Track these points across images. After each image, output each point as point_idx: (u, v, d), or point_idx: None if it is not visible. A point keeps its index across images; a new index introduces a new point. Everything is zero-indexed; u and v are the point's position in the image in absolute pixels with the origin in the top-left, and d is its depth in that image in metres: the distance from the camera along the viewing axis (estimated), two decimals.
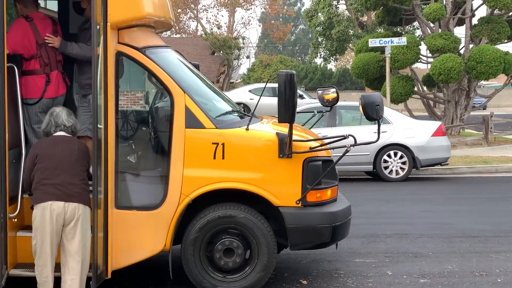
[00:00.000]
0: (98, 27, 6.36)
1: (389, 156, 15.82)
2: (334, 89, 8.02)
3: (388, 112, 15.84)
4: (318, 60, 59.24)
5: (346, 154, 6.79)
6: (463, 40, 26.45)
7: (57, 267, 6.30)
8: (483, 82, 42.23)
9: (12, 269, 6.54)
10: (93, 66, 6.35)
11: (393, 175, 15.87)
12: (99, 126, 6.37)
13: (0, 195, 6.30)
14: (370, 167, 15.99)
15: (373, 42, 24.69)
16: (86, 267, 6.24)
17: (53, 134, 6.31)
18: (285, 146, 6.76)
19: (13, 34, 7.03)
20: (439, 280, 7.70)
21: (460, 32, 25.78)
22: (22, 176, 6.53)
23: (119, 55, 6.76)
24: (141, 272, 7.72)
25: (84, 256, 6.19)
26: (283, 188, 6.87)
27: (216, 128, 6.86)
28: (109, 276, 6.59)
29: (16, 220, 6.63)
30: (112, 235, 6.58)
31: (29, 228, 6.75)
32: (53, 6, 8.66)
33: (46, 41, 7.19)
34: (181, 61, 7.85)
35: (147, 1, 6.98)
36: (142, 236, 6.77)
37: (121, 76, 6.88)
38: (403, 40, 23.85)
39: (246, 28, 68.19)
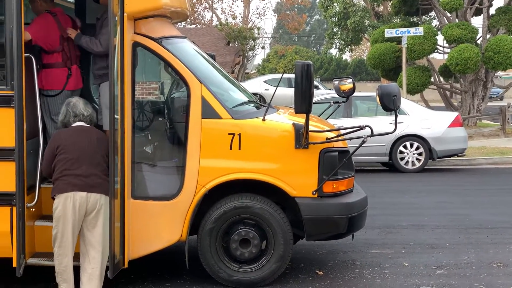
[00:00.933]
0: (115, 17, 6.39)
1: (405, 147, 15.76)
2: (351, 80, 8.03)
3: (405, 102, 15.78)
4: (334, 51, 59.13)
5: (362, 145, 6.80)
6: (480, 30, 26.28)
7: (75, 256, 6.37)
8: (500, 73, 41.96)
9: (30, 258, 6.60)
10: (110, 56, 6.37)
11: (409, 166, 15.82)
12: (116, 116, 6.40)
13: (19, 184, 6.35)
14: (386, 158, 15.95)
15: (389, 33, 24.59)
16: (106, 256, 6.31)
17: (72, 125, 6.37)
18: (301, 137, 6.77)
19: (40, 28, 7.12)
20: (456, 271, 7.68)
21: (477, 22, 25.65)
22: (41, 166, 6.59)
23: (136, 45, 6.80)
24: (158, 262, 7.76)
25: (104, 246, 6.27)
26: (299, 178, 6.88)
27: (233, 118, 6.87)
28: (126, 265, 6.64)
29: (34, 209, 6.67)
30: (128, 225, 6.63)
31: (47, 217, 6.83)
32: None
33: (69, 34, 7.30)
34: (197, 52, 7.87)
35: None
36: (158, 226, 6.81)
37: (137, 66, 6.91)
38: (419, 30, 23.74)
39: (261, 18, 68.35)
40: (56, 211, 6.18)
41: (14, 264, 6.42)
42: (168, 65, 7.00)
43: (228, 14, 50.30)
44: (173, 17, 7.81)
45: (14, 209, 6.39)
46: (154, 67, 8.41)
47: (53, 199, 6.24)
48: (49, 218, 6.83)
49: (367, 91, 22.50)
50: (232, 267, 6.96)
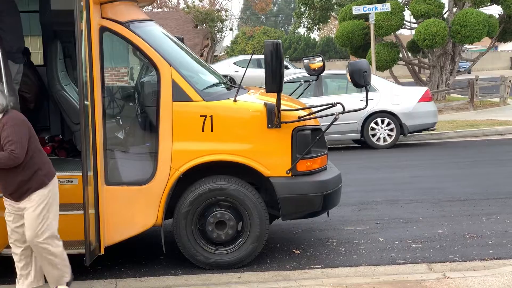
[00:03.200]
0: (81, 2, 6.30)
1: (376, 123, 15.84)
2: (320, 58, 8.02)
3: (374, 79, 15.81)
4: (302, 30, 59.02)
5: (334, 122, 6.81)
6: (446, 5, 26.41)
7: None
8: (467, 46, 42.21)
9: (4, 249, 6.54)
10: (77, 42, 6.30)
11: (381, 142, 15.91)
12: (85, 102, 6.34)
13: None
14: (357, 135, 16.02)
15: (357, 10, 24.61)
16: None
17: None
18: (273, 116, 6.76)
19: None
20: (431, 244, 7.76)
21: None
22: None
23: (103, 30, 6.72)
24: (134, 247, 7.73)
25: None
26: (273, 158, 6.88)
27: (204, 100, 6.84)
28: (102, 252, 6.62)
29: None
30: (103, 212, 6.59)
31: None
32: None
33: None
34: (166, 35, 7.81)
35: None
36: (133, 211, 6.78)
37: (105, 51, 6.84)
38: (387, 7, 23.78)
39: (228, 0, 67.78)
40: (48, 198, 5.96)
41: None
42: (136, 49, 6.95)
43: None
44: (139, 0, 7.74)
45: None
46: (123, 52, 8.32)
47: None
48: None
49: (337, 69, 22.53)
50: (209, 249, 6.97)
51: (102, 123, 6.67)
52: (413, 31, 26.23)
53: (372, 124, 15.83)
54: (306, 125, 6.98)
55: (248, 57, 34.34)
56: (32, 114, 8.31)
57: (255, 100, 7.33)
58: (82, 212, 6.38)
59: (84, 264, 6.36)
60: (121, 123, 7.41)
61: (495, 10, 27.03)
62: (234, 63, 32.65)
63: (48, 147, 8.05)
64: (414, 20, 27.27)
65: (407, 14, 26.84)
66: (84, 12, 6.34)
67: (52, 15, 8.12)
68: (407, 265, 7.04)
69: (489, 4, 26.06)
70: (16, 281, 6.17)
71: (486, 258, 7.18)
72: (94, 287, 6.59)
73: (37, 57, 9.22)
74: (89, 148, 6.40)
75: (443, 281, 6.30)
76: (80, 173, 6.46)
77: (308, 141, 6.92)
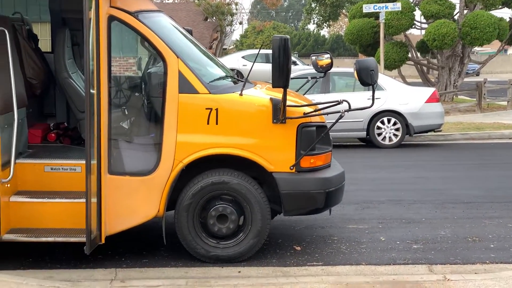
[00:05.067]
0: None
1: (382, 122, 15.82)
2: (328, 55, 8.00)
3: (382, 78, 15.80)
4: (311, 27, 59.05)
5: (340, 120, 6.79)
6: (457, 6, 26.33)
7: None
8: (476, 48, 42.16)
9: (5, 234, 6.55)
10: (85, 30, 6.30)
11: (386, 142, 15.89)
12: (91, 91, 6.34)
13: None
14: (363, 134, 16.01)
15: (367, 8, 24.56)
16: None
17: None
18: (279, 112, 6.74)
19: None
20: (432, 245, 7.74)
21: None
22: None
23: (111, 19, 6.69)
24: (135, 237, 7.73)
25: None
26: (277, 153, 6.86)
27: (210, 93, 6.82)
28: (103, 241, 6.62)
29: (9, 185, 6.63)
30: (105, 201, 6.59)
31: (22, 193, 6.82)
32: None
33: None
34: (174, 26, 7.79)
35: None
36: (135, 201, 6.77)
37: (113, 40, 6.83)
38: (397, 6, 23.71)
39: None
40: None
41: None
42: (144, 39, 6.92)
43: None
44: None
45: None
46: (131, 41, 8.32)
47: None
48: (26, 193, 6.83)
49: (345, 66, 22.48)
50: (209, 242, 6.96)
51: (108, 112, 6.66)
52: (423, 31, 26.22)
53: (378, 123, 15.82)
54: (311, 122, 6.97)
55: (256, 51, 34.33)
56: (38, 101, 8.33)
57: (261, 94, 7.31)
58: (84, 200, 6.39)
59: (84, 253, 6.37)
60: (126, 113, 7.40)
61: (506, 13, 26.98)
62: (243, 57, 32.65)
63: (52, 134, 8.07)
64: (424, 20, 27.21)
65: (417, 14, 26.78)
66: (93, 1, 6.34)
67: (61, 2, 8.13)
68: (408, 265, 7.01)
69: (500, 7, 26.00)
70: None
71: (487, 261, 7.14)
72: (94, 276, 6.58)
73: (46, 44, 9.23)
74: (94, 136, 6.40)
75: (443, 283, 6.28)
76: (84, 162, 6.45)
77: (313, 137, 6.90)
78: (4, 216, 6.52)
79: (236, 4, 46.37)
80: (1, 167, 6.44)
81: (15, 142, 6.64)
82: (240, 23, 55.26)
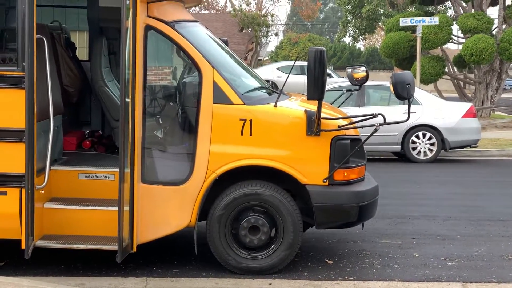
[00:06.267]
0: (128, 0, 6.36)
1: (417, 137, 15.72)
2: (364, 68, 7.98)
3: (418, 92, 15.69)
4: (347, 39, 58.98)
5: (375, 133, 6.75)
6: (496, 21, 26.08)
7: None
8: None
9: (38, 240, 6.59)
10: (122, 39, 6.35)
11: (421, 156, 15.77)
12: (126, 99, 6.38)
13: (28, 166, 6.33)
14: (398, 148, 15.90)
15: (404, 21, 24.47)
16: None
17: None
18: (313, 124, 6.72)
19: None
20: (467, 263, 7.64)
21: (493, 12, 25.33)
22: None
23: (148, 28, 6.75)
24: (167, 247, 7.75)
25: None
26: (310, 166, 6.84)
27: (244, 104, 6.83)
28: (135, 250, 6.64)
29: (43, 191, 6.67)
30: (137, 209, 6.62)
31: (56, 200, 6.88)
32: None
33: None
34: (210, 37, 7.81)
35: None
36: (167, 211, 6.80)
37: (149, 50, 6.87)
38: (435, 20, 23.61)
39: (275, 5, 67.76)
40: None
41: (23, 246, 6.41)
42: (180, 49, 6.96)
43: (242, 0, 50.14)
44: (186, 1, 7.78)
45: (24, 191, 6.37)
46: (167, 51, 8.36)
47: None
48: (59, 200, 6.88)
49: (380, 80, 22.35)
50: (241, 254, 6.95)
51: (142, 121, 6.70)
52: (460, 46, 25.95)
53: (413, 138, 15.71)
54: (345, 135, 6.93)
55: (291, 63, 34.31)
56: (74, 108, 8.40)
57: (295, 106, 7.29)
58: (116, 208, 6.42)
59: (115, 261, 6.40)
60: (160, 122, 7.43)
61: None
62: (277, 69, 32.65)
63: (87, 142, 8.14)
64: (462, 35, 26.94)
65: (455, 28, 26.57)
66: (131, 10, 6.39)
67: (99, 11, 8.21)
68: (442, 283, 6.93)
69: None
70: None
71: None
72: (124, 284, 6.61)
73: (83, 53, 9.33)
74: (128, 145, 6.44)
75: None
76: (117, 170, 6.49)
77: (347, 150, 6.87)
78: (37, 222, 6.56)
79: (272, 15, 46.41)
80: (36, 173, 6.48)
81: (50, 149, 6.70)
82: (276, 34, 55.45)
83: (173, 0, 7.24)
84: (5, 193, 6.43)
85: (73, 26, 8.54)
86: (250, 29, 42.57)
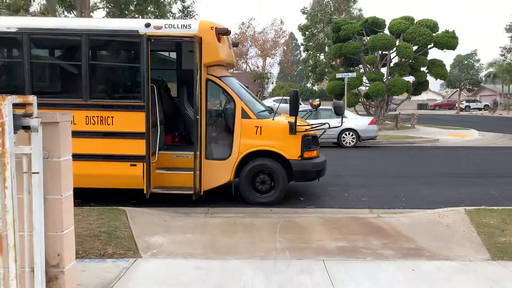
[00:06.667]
0: (197, 65, 6.32)
1: (345, 134, 15.57)
2: (318, 100, 7.88)
3: (346, 112, 15.53)
4: (309, 85, 58.46)
5: (324, 133, 6.68)
6: (385, 74, 25.80)
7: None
8: (395, 97, 41.31)
9: (152, 189, 6.60)
10: (195, 85, 6.31)
11: (348, 145, 15.62)
12: (197, 117, 6.35)
13: (147, 151, 6.34)
14: (335, 140, 15.75)
15: (338, 75, 24.29)
16: None
17: None
18: (293, 128, 6.67)
19: None
20: (372, 199, 7.54)
21: (384, 70, 25.10)
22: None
23: (208, 80, 6.71)
24: (218, 192, 7.72)
25: None
26: (291, 150, 6.79)
27: (257, 118, 6.78)
28: (202, 193, 6.62)
29: (155, 164, 6.67)
30: (203, 172, 6.59)
31: (162, 168, 6.81)
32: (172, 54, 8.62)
33: None
34: (239, 84, 7.74)
35: (222, 52, 6.89)
36: (218, 173, 6.76)
37: (208, 91, 6.83)
38: (354, 74, 23.42)
39: (271, 67, 67.43)
40: None
41: (145, 192, 6.42)
42: (224, 90, 6.92)
43: (254, 65, 50.01)
44: (227, 65, 7.71)
45: (145, 164, 6.38)
46: (217, 92, 8.31)
47: None
48: (163, 168, 6.84)
49: (326, 105, 22.23)
50: (256, 195, 6.91)
51: (205, 128, 6.67)
52: (367, 87, 25.71)
53: (343, 135, 15.57)
54: (309, 134, 6.87)
55: (280, 98, 34.15)
56: (169, 122, 8.38)
57: (283, 119, 7.20)
58: (192, 172, 6.40)
59: (191, 200, 6.38)
60: (214, 128, 7.39)
61: (411, 78, 26.28)
62: (274, 101, 32.33)
63: (176, 139, 8.09)
64: (367, 82, 26.69)
65: (364, 78, 26.30)
66: (199, 71, 6.36)
67: (182, 71, 8.15)
68: (359, 209, 6.86)
69: (408, 75, 25.40)
70: None
71: (401, 208, 6.95)
72: (196, 210, 6.58)
73: (174, 93, 9.26)
74: (197, 140, 6.41)
75: (377, 219, 6.13)
76: (193, 152, 6.46)
77: (309, 142, 6.81)
78: (152, 180, 6.57)
79: (270, 73, 46.28)
80: (151, 155, 6.48)
81: (158, 142, 6.69)
82: (272, 83, 55.07)
83: (219, 65, 7.18)
84: (135, 165, 6.44)
85: (169, 79, 8.45)
86: (259, 80, 42.41)
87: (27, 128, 2.49)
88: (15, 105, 2.44)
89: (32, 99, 2.48)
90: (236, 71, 51.17)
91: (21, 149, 2.52)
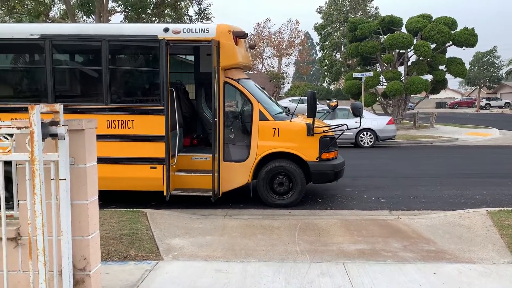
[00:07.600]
0: (215, 68, 6.36)
1: (363, 134, 15.46)
2: (335, 100, 7.85)
3: (364, 112, 15.41)
4: (325, 84, 58.12)
5: (342, 134, 6.65)
6: (403, 73, 25.48)
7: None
8: (413, 96, 40.76)
9: (172, 191, 6.66)
10: (213, 88, 6.36)
11: (365, 145, 15.50)
12: (215, 119, 6.39)
13: (167, 154, 6.41)
14: (353, 140, 15.65)
15: (355, 75, 24.13)
16: None
17: None
18: (310, 130, 6.66)
19: None
20: (391, 200, 7.48)
21: (401, 69, 24.73)
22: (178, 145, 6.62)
23: (225, 83, 6.75)
24: (236, 194, 7.75)
25: None
26: (309, 151, 6.78)
27: (274, 120, 6.79)
28: (220, 195, 6.65)
29: (174, 166, 6.74)
30: (221, 174, 6.63)
31: (181, 170, 6.86)
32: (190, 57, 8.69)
33: None
34: (256, 86, 7.76)
35: (239, 55, 6.90)
36: (236, 175, 6.79)
37: (226, 93, 6.87)
38: (371, 73, 23.22)
39: (287, 67, 67.29)
40: None
41: (164, 194, 6.49)
42: (241, 93, 6.94)
43: (270, 66, 49.94)
44: (244, 68, 7.74)
45: (165, 166, 6.45)
46: (234, 94, 8.34)
47: None
48: (182, 170, 6.89)
49: (344, 106, 22.09)
50: (274, 197, 6.92)
51: (223, 130, 6.71)
52: (384, 87, 25.43)
53: (361, 135, 15.46)
54: (327, 135, 6.85)
55: (298, 98, 34.05)
56: (188, 124, 8.46)
57: (301, 121, 7.19)
58: (211, 174, 6.44)
59: (210, 201, 6.43)
60: (232, 130, 7.43)
61: (429, 77, 25.89)
62: (290, 101, 32.25)
63: (195, 141, 8.15)
64: (385, 81, 26.40)
65: (382, 78, 26.02)
66: (217, 73, 6.40)
67: (200, 74, 8.22)
68: (378, 210, 6.82)
69: (426, 73, 25.03)
70: None
71: (421, 209, 6.88)
72: (215, 212, 6.63)
73: (192, 95, 9.33)
74: (216, 142, 6.45)
75: (397, 220, 6.07)
76: (211, 154, 6.51)
77: (327, 143, 6.79)
78: (172, 182, 6.64)
79: (286, 73, 46.14)
80: (170, 157, 6.55)
81: (177, 144, 6.76)
82: (288, 83, 54.94)
83: (237, 68, 7.21)
84: (155, 168, 6.51)
85: (187, 82, 8.53)
86: (275, 80, 42.35)
87: (54, 135, 2.56)
88: (41, 113, 2.51)
89: (59, 107, 2.55)
90: (252, 72, 51.14)
91: (49, 156, 2.60)
